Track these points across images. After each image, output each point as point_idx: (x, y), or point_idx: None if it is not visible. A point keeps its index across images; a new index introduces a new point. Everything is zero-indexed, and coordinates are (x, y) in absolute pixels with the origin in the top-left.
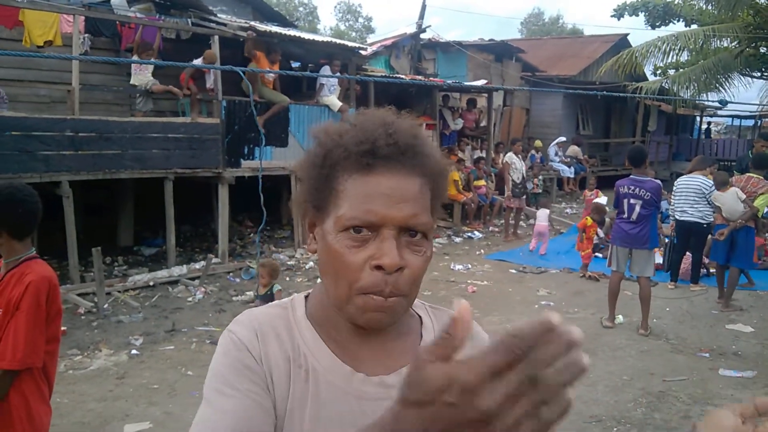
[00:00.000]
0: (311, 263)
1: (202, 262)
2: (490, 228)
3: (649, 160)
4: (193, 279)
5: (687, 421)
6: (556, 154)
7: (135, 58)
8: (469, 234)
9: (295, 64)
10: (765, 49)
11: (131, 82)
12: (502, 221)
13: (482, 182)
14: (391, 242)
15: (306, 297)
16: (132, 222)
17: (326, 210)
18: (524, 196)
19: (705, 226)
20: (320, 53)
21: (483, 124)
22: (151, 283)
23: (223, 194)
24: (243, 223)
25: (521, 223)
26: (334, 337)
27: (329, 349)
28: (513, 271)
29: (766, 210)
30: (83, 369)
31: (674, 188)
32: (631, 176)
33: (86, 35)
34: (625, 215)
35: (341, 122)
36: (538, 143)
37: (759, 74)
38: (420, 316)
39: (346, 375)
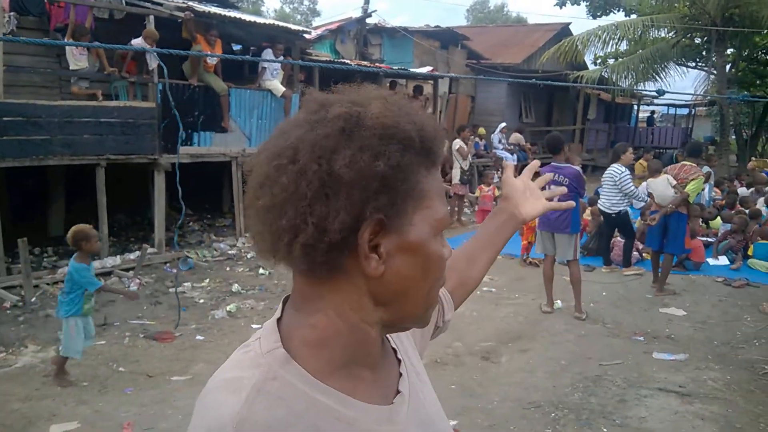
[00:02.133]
0: (253, 253)
1: (137, 253)
2: None
3: (567, 147)
4: (127, 270)
5: (622, 405)
6: (500, 142)
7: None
8: None
9: (236, 47)
10: (700, 39)
11: (71, 67)
12: (448, 208)
13: None
14: (443, 235)
15: (287, 350)
16: (63, 211)
17: (404, 216)
18: (469, 184)
19: (613, 215)
20: (262, 36)
21: (429, 111)
22: None
23: (160, 181)
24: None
25: (465, 209)
26: (355, 378)
27: (356, 398)
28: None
29: (698, 196)
30: (7, 367)
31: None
32: (551, 163)
33: (11, 14)
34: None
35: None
36: (481, 130)
37: (693, 64)
38: None
39: (387, 416)
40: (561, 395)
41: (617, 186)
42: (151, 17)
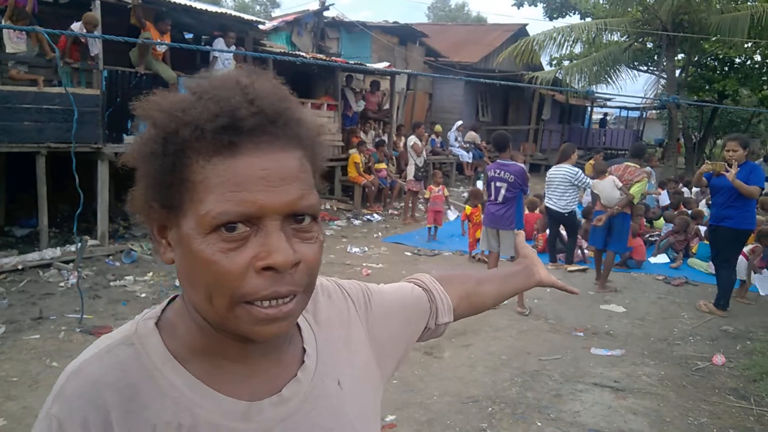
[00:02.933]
0: None
1: (79, 244)
2: (390, 211)
3: (512, 145)
4: (67, 262)
5: (558, 399)
6: (456, 140)
7: (8, 23)
8: (369, 217)
9: (188, 36)
10: (651, 44)
11: (7, 50)
12: (402, 204)
13: (383, 165)
14: (278, 234)
15: (156, 323)
16: (3, 200)
17: (181, 209)
18: (423, 181)
19: (566, 215)
20: (215, 25)
21: (386, 107)
22: (20, 267)
23: (103, 171)
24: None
25: (419, 206)
26: (218, 367)
27: (211, 387)
28: (408, 253)
29: (641, 197)
30: None
31: (546, 177)
32: (497, 161)
33: None
34: (492, 197)
35: (182, 93)
36: (438, 128)
37: (645, 68)
38: None
39: (242, 411)
40: (499, 390)
41: (574, 185)
42: (98, 2)
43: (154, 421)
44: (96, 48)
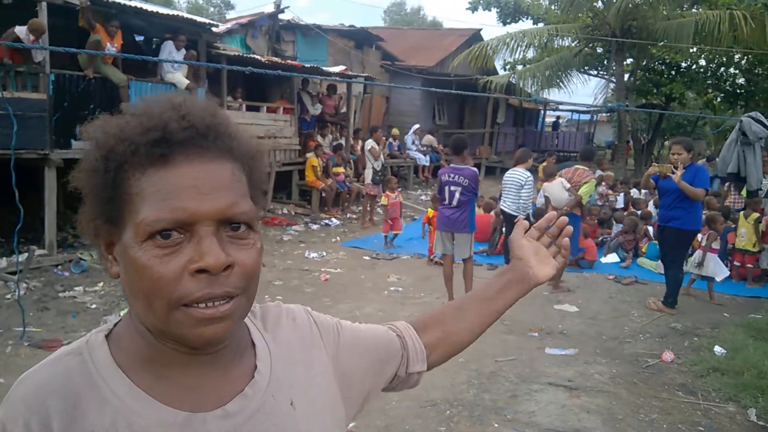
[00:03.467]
0: None
1: (26, 254)
2: (348, 215)
3: (468, 150)
4: (14, 273)
5: (514, 400)
6: (413, 143)
7: None
8: (327, 221)
9: (138, 38)
10: (601, 49)
11: None
12: (360, 208)
13: (341, 169)
14: (210, 239)
15: (107, 335)
16: None
17: (122, 222)
18: (381, 184)
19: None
20: (166, 27)
21: (343, 110)
22: None
23: (51, 179)
24: (77, 211)
25: (378, 209)
26: (161, 377)
27: (152, 397)
28: (366, 258)
29: (590, 198)
30: None
31: (502, 180)
32: (451, 165)
33: None
34: (446, 201)
35: (119, 115)
36: (395, 131)
37: (595, 72)
38: (245, 323)
39: (182, 422)
40: (457, 392)
41: (523, 188)
42: (44, 4)
43: (91, 427)
44: (40, 55)
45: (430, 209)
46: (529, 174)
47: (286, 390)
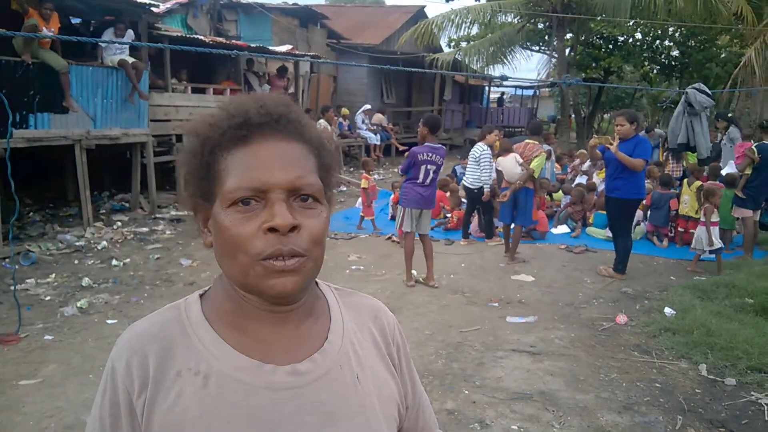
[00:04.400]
0: (104, 243)
1: None
2: None
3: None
4: None
5: (481, 367)
6: (363, 122)
7: None
8: None
9: (75, 21)
10: (542, 25)
11: None
12: None
13: None
14: (280, 204)
15: (202, 295)
16: None
17: (213, 197)
18: None
19: (475, 191)
20: (104, 9)
21: (290, 90)
22: None
23: None
24: (21, 200)
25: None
26: (240, 330)
27: (231, 346)
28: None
29: (542, 171)
30: None
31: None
32: (426, 144)
33: None
34: (420, 180)
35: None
36: (345, 111)
37: (537, 48)
38: (326, 298)
39: (254, 369)
40: (426, 363)
41: (478, 163)
42: None
43: (180, 367)
44: None
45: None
46: (485, 148)
47: (353, 365)
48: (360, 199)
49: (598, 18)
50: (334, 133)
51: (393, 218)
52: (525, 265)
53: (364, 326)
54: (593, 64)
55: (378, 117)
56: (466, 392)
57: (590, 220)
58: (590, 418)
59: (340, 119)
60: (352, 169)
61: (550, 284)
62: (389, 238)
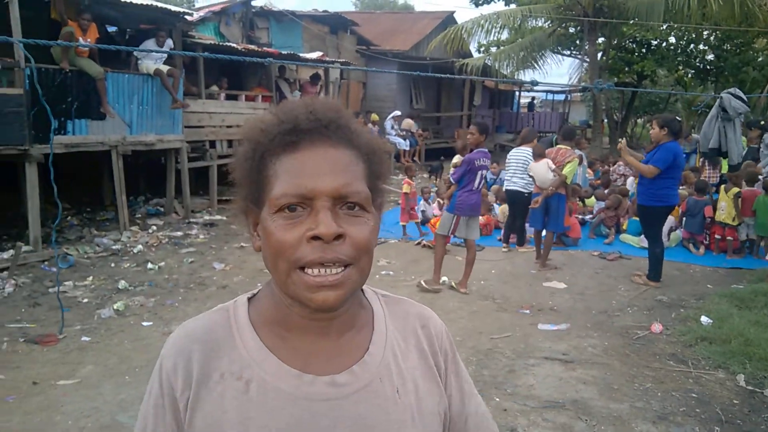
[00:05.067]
0: (140, 247)
1: (11, 251)
2: None
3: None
4: (1, 271)
5: (512, 375)
6: (392, 128)
7: None
8: None
9: (111, 29)
10: (574, 29)
11: None
12: None
13: None
14: (325, 212)
15: (250, 298)
16: None
17: (262, 202)
18: None
19: (526, 195)
20: (140, 18)
21: (321, 95)
22: None
23: (32, 174)
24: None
25: None
26: (283, 338)
27: (273, 353)
28: None
29: (574, 176)
30: None
31: (507, 159)
32: (479, 149)
33: None
34: (474, 186)
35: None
36: (374, 117)
37: (568, 52)
38: (372, 307)
39: (294, 378)
40: None
41: (526, 167)
42: None
43: (223, 370)
44: None
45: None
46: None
47: (394, 378)
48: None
49: (631, 22)
50: None
51: (424, 223)
52: (557, 272)
53: (410, 336)
54: (626, 69)
55: (407, 122)
56: (497, 399)
57: (624, 227)
58: (624, 427)
59: (370, 125)
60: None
61: (583, 291)
62: (419, 243)
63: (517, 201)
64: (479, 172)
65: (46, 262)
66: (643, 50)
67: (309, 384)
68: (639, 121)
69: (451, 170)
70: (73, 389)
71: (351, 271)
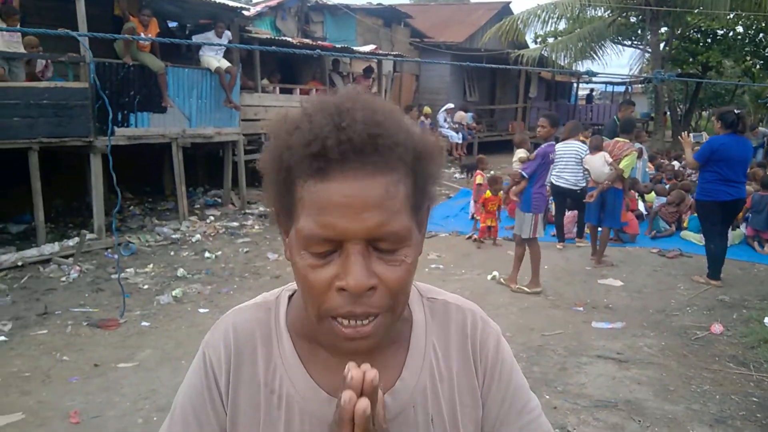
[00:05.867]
0: (198, 236)
1: (76, 239)
2: None
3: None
4: (66, 257)
5: (563, 372)
6: (445, 120)
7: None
8: None
9: (172, 25)
10: (635, 18)
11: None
12: None
13: None
14: (356, 258)
15: (291, 296)
16: None
17: (292, 217)
18: None
19: (578, 191)
20: (199, 13)
21: (374, 90)
22: (20, 264)
23: (96, 165)
24: (122, 194)
25: None
26: (314, 352)
27: (306, 369)
28: None
29: (632, 171)
30: None
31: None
32: (550, 142)
33: None
34: (545, 181)
35: (296, 113)
36: (427, 110)
37: (629, 42)
38: (412, 319)
39: (323, 402)
40: None
41: (580, 161)
42: None
43: (259, 379)
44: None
45: (488, 192)
46: (586, 147)
47: (429, 404)
48: (470, 202)
49: (696, 11)
50: None
51: (473, 218)
52: (613, 269)
53: (453, 343)
54: (690, 59)
55: (460, 115)
56: (547, 397)
57: (685, 224)
58: (679, 429)
59: (422, 118)
60: None
61: (640, 289)
62: (470, 237)
63: (564, 196)
64: (550, 166)
65: (109, 250)
66: (709, 40)
67: (329, 403)
68: (704, 113)
69: (515, 165)
70: (132, 372)
71: (383, 318)
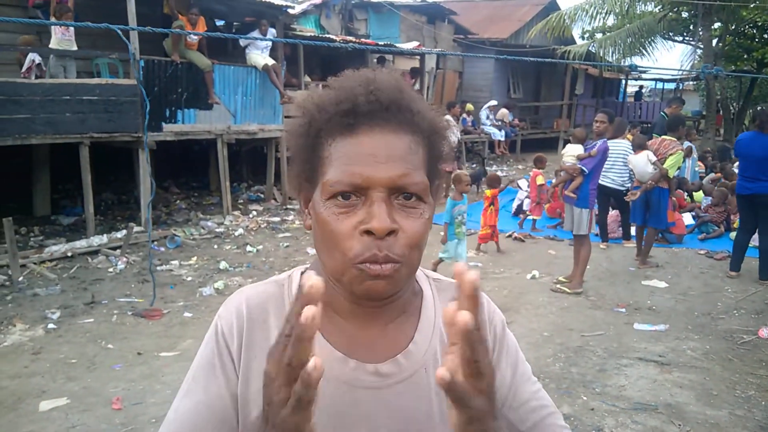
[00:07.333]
0: (241, 230)
1: (124, 231)
2: None
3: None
4: (114, 249)
5: (602, 374)
6: (488, 118)
7: (53, 20)
8: None
9: (219, 23)
10: (687, 14)
11: (51, 45)
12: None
13: None
14: (380, 205)
15: (303, 273)
16: (48, 190)
17: (315, 181)
18: (457, 160)
19: (624, 191)
20: (245, 11)
21: (416, 87)
22: (69, 254)
23: (144, 160)
24: (168, 189)
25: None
26: (330, 318)
27: (321, 333)
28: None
29: (680, 170)
30: None
31: None
32: (605, 139)
33: None
34: (599, 177)
35: (323, 87)
36: (469, 107)
37: (681, 38)
38: (423, 292)
39: (338, 362)
40: (542, 365)
41: (625, 161)
42: None
43: (272, 342)
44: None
45: (487, 190)
46: (629, 145)
47: (439, 366)
48: (525, 199)
49: (751, 5)
50: (457, 129)
51: (516, 215)
52: (658, 270)
53: None
54: (744, 56)
55: (502, 112)
56: (585, 398)
57: (735, 224)
58: None
59: (464, 115)
60: (474, 165)
61: (685, 291)
62: (510, 235)
63: (615, 197)
64: (606, 162)
65: (155, 242)
66: (765, 36)
67: (353, 370)
68: None
69: (565, 161)
70: (173, 361)
71: (401, 268)
